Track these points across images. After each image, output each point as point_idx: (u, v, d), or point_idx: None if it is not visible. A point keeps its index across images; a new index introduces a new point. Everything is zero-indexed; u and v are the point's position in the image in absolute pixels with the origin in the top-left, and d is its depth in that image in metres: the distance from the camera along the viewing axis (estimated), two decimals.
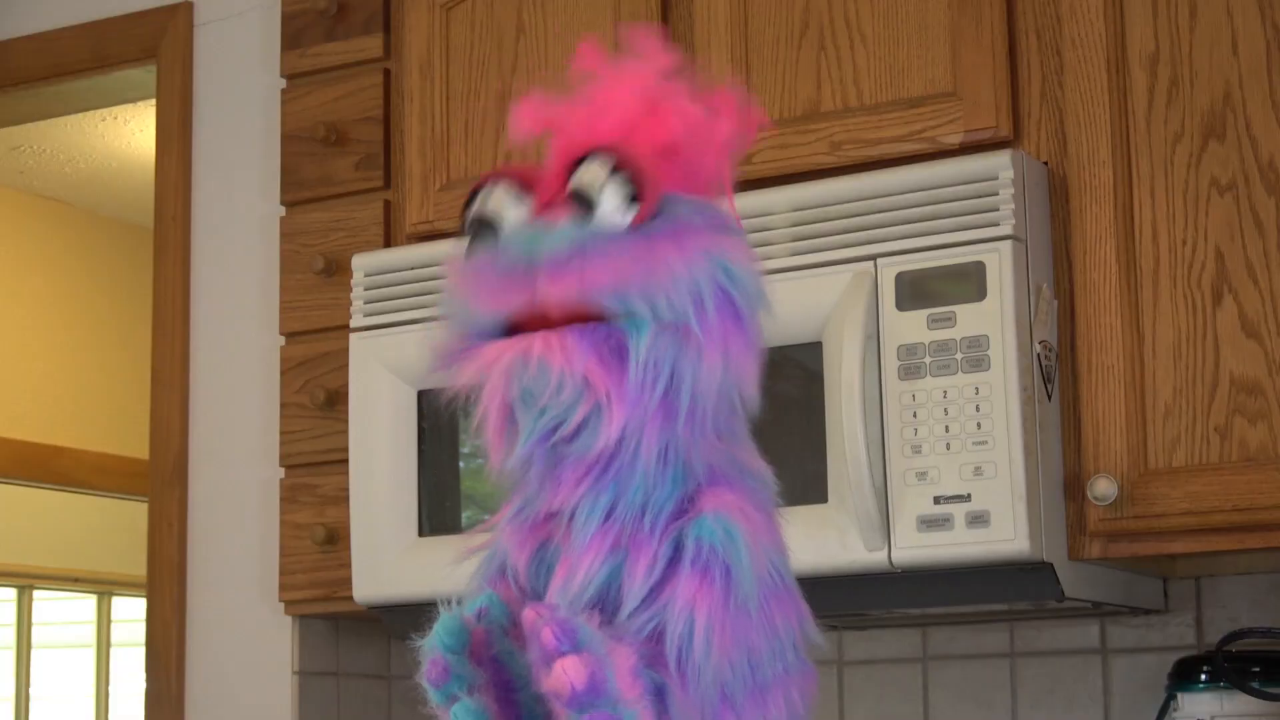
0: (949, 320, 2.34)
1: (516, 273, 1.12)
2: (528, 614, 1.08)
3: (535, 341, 1.11)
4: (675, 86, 1.16)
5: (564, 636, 1.05)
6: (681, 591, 1.10)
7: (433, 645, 1.11)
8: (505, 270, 1.12)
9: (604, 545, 1.12)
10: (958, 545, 2.30)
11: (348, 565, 2.75)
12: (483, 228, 1.15)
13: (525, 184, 1.15)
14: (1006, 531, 2.27)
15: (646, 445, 1.11)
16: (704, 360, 1.13)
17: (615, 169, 1.12)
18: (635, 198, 1.12)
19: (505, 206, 1.15)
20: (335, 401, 2.89)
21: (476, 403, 1.14)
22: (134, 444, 5.54)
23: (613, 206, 1.12)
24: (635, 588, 1.11)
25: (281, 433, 2.98)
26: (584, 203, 1.12)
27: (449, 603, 1.15)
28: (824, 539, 2.36)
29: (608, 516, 1.12)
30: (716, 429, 1.17)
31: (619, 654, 1.07)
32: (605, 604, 1.11)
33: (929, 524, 2.31)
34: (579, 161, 1.13)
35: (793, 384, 2.44)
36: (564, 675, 1.04)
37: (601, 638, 1.07)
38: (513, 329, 1.13)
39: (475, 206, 1.15)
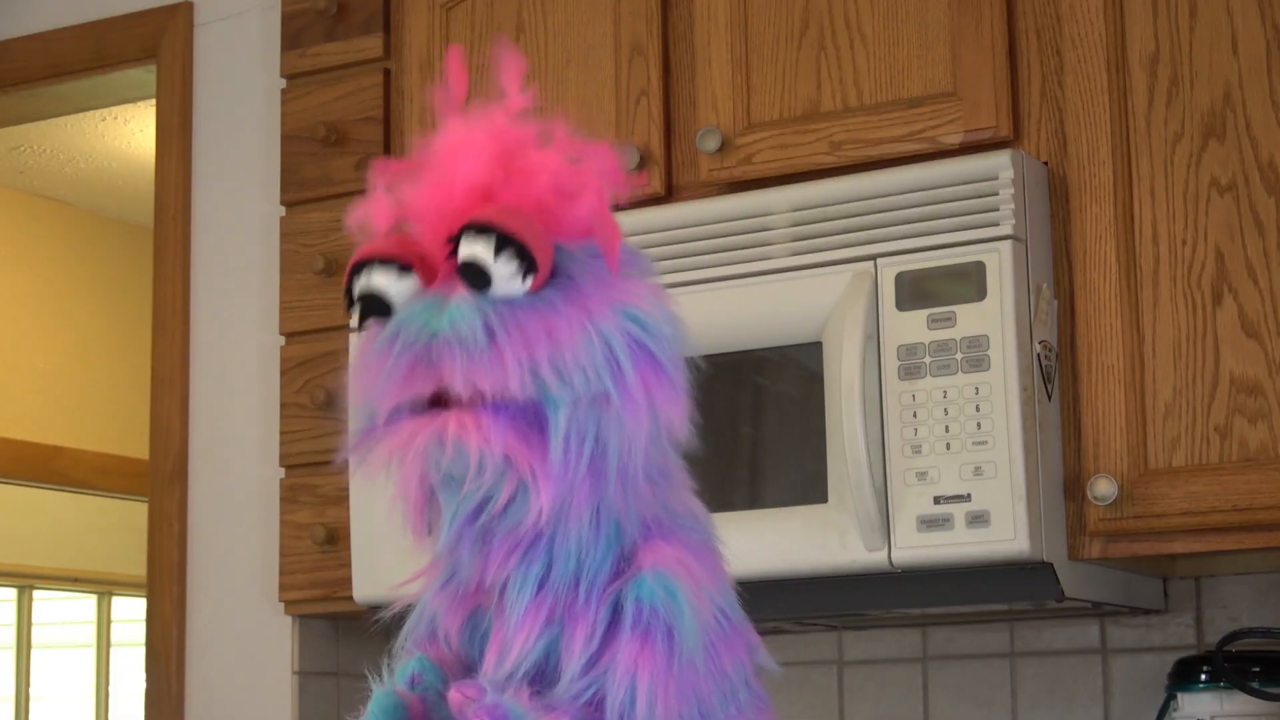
0: (949, 320, 2.34)
1: (418, 357, 1.07)
2: (454, 696, 1.05)
3: (449, 422, 1.06)
4: (524, 135, 1.10)
5: None
6: (622, 657, 1.07)
7: None
8: (405, 354, 1.07)
9: (538, 619, 1.08)
10: (958, 545, 2.30)
11: (348, 565, 2.75)
12: (372, 308, 1.10)
13: (404, 260, 1.09)
14: (1006, 531, 2.27)
15: (576, 514, 1.07)
16: (627, 419, 1.08)
17: (500, 240, 1.06)
18: (526, 265, 1.06)
19: (390, 285, 1.09)
20: (335, 401, 2.89)
21: (392, 484, 1.10)
22: (134, 444, 5.54)
23: (506, 278, 1.06)
24: (574, 659, 1.07)
25: (281, 433, 2.97)
26: (476, 278, 1.06)
27: (380, 676, 1.12)
28: (824, 539, 2.36)
29: (540, 587, 1.08)
30: (649, 478, 1.11)
31: None
32: (545, 673, 1.08)
33: (929, 524, 2.31)
34: (460, 234, 1.07)
35: (793, 384, 2.44)
36: None
37: (536, 715, 1.04)
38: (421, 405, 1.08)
39: (360, 283, 1.10)
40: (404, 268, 1.09)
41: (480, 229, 1.06)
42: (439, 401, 1.07)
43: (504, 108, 1.10)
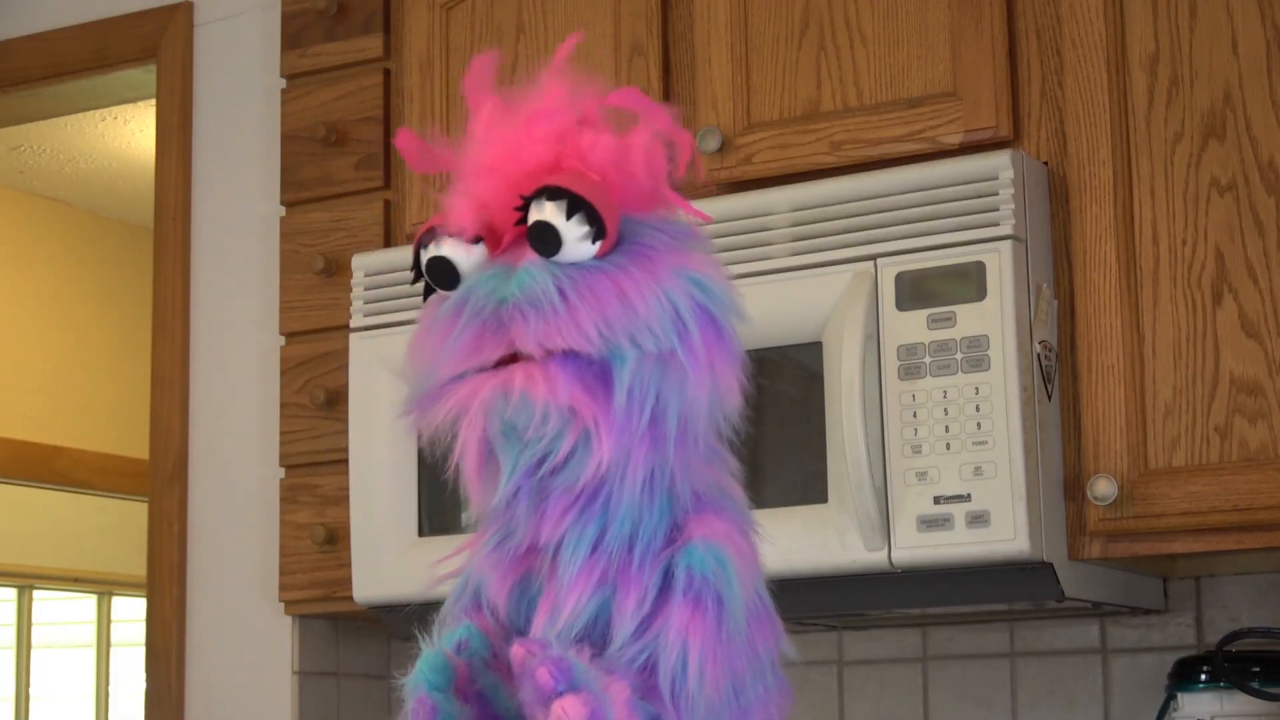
0: (949, 320, 2.34)
1: (487, 321, 1.09)
2: (517, 650, 1.06)
3: (515, 374, 1.08)
4: (580, 115, 1.13)
5: (560, 676, 1.03)
6: (674, 622, 1.08)
7: (417, 684, 1.09)
8: (474, 320, 1.09)
9: (591, 579, 1.09)
10: (958, 545, 2.30)
11: (348, 565, 2.75)
12: (440, 277, 1.12)
13: (473, 230, 1.12)
14: (1006, 531, 2.27)
15: (633, 473, 1.09)
16: (690, 382, 1.10)
17: (572, 204, 1.08)
18: (596, 230, 1.09)
19: (459, 253, 1.12)
20: (335, 401, 2.89)
21: (452, 441, 1.10)
22: (134, 444, 5.54)
23: (577, 239, 1.09)
24: (625, 621, 1.09)
25: (281, 433, 2.98)
26: (547, 241, 1.09)
27: (429, 637, 1.12)
28: (824, 539, 2.36)
29: (594, 549, 1.10)
30: (704, 450, 1.14)
31: (614, 688, 1.05)
32: (593, 636, 1.09)
33: (929, 524, 2.31)
34: (528, 201, 1.09)
35: (793, 384, 2.44)
36: (564, 716, 1.03)
37: (597, 674, 1.05)
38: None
39: (429, 251, 1.12)
40: (474, 238, 1.11)
41: (552, 193, 1.09)
42: (506, 363, 1.09)
43: (548, 89, 1.13)
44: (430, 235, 1.13)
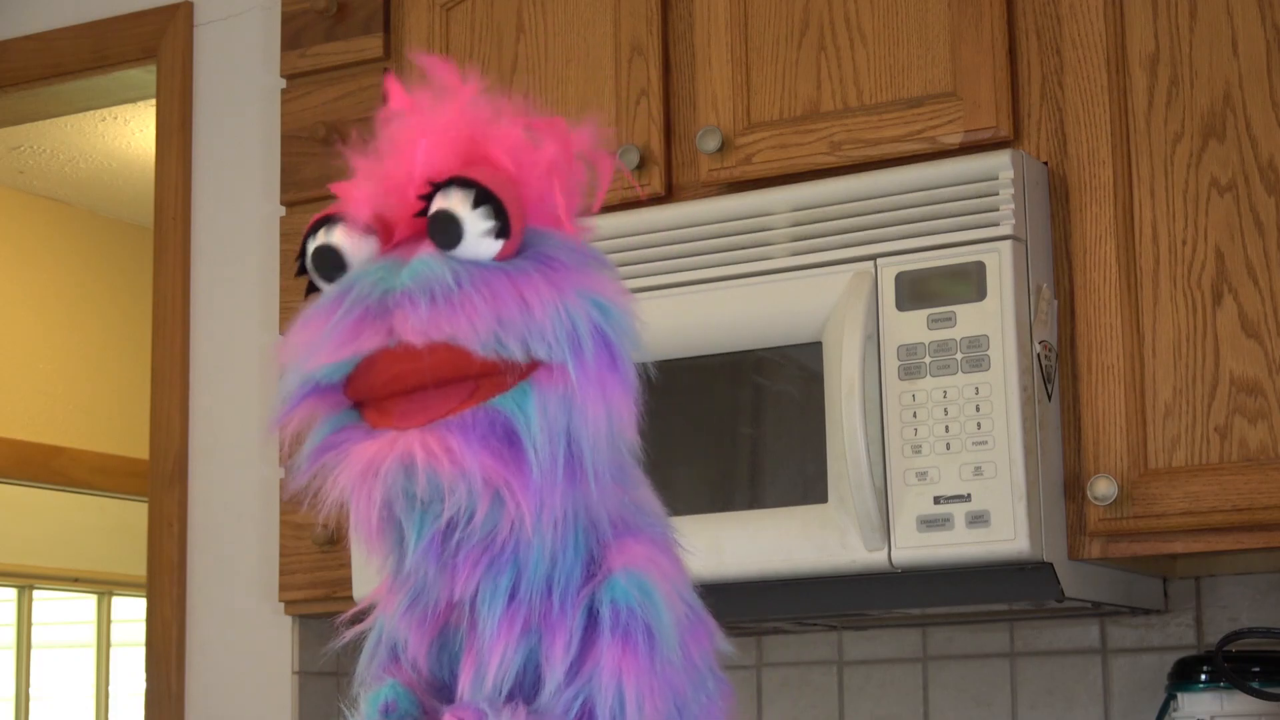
0: (949, 320, 2.34)
1: (369, 310, 1.02)
2: None
3: (414, 447, 1.00)
4: (494, 116, 1.07)
5: None
6: (606, 662, 1.04)
7: None
8: (356, 307, 1.02)
9: (514, 630, 1.04)
10: (958, 545, 2.30)
11: (348, 565, 2.75)
12: (325, 266, 1.04)
13: (367, 223, 1.05)
14: (1006, 531, 2.27)
15: (548, 519, 1.03)
16: (589, 412, 1.03)
17: (479, 198, 1.02)
18: (500, 230, 1.02)
19: (349, 243, 1.04)
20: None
21: (345, 505, 1.04)
22: (134, 444, 5.54)
23: (477, 238, 1.02)
24: (555, 668, 1.04)
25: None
26: (447, 234, 1.02)
27: (351, 702, 1.08)
28: (824, 539, 2.36)
29: (512, 598, 1.04)
30: (612, 475, 1.07)
31: None
32: (524, 685, 1.05)
33: (929, 524, 2.31)
34: (433, 192, 1.03)
35: (793, 384, 2.44)
36: None
37: None
38: (359, 387, 1.04)
39: (316, 239, 1.05)
40: (366, 229, 1.05)
41: (460, 182, 1.03)
42: (383, 376, 1.02)
43: (464, 93, 1.07)
44: (319, 226, 1.06)
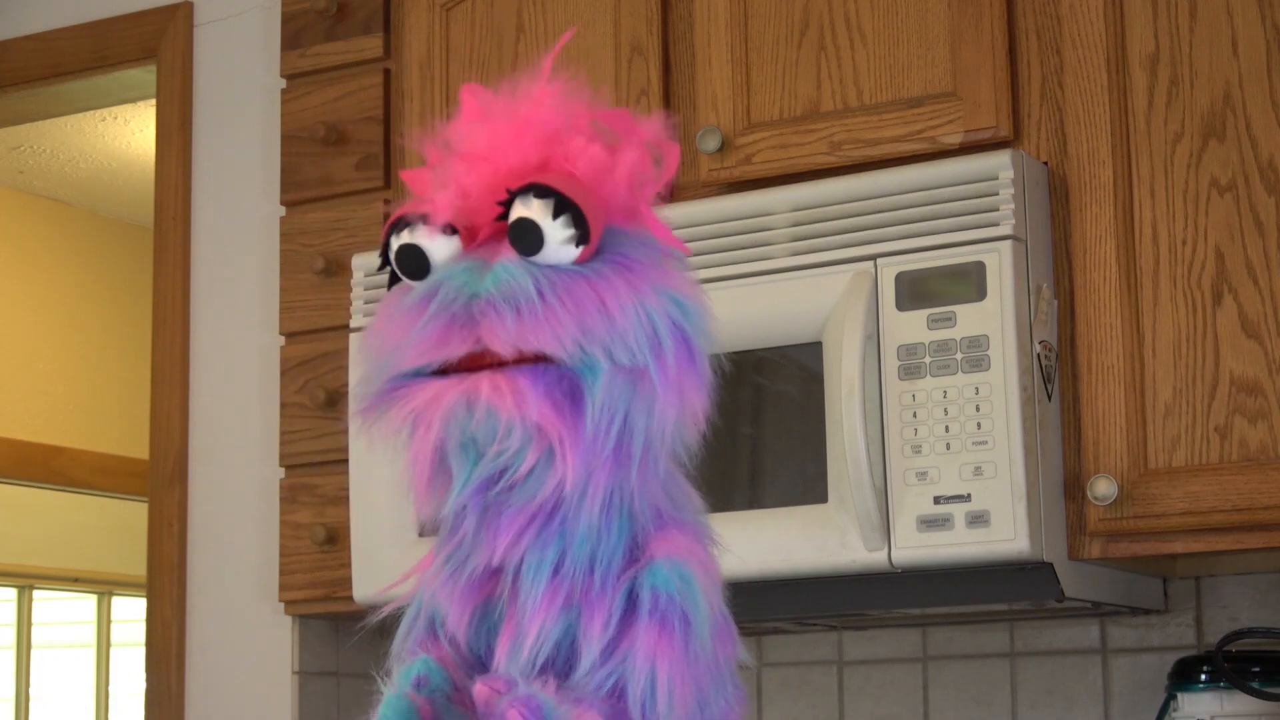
0: (949, 320, 2.34)
1: (456, 315, 1.04)
2: (481, 690, 1.03)
3: (481, 383, 1.03)
4: (574, 117, 1.09)
5: (531, 716, 1.01)
6: (641, 644, 1.05)
7: None
8: (443, 312, 1.04)
9: (555, 603, 1.06)
10: (958, 545, 2.30)
11: (348, 565, 2.75)
12: (409, 265, 1.07)
13: (449, 221, 1.07)
14: (1006, 531, 2.27)
15: (593, 494, 1.05)
16: (659, 404, 1.06)
17: (559, 205, 1.04)
18: (580, 235, 1.05)
19: (433, 243, 1.07)
20: (335, 401, 2.89)
21: (405, 445, 1.06)
22: (134, 444, 5.54)
23: (558, 244, 1.04)
24: (592, 646, 1.05)
25: (281, 433, 2.97)
26: (529, 239, 1.04)
27: (386, 675, 1.09)
28: (824, 539, 2.36)
29: (556, 572, 1.06)
30: (665, 467, 1.10)
31: (585, 719, 1.03)
32: (557, 660, 1.06)
33: (929, 524, 2.31)
34: (513, 197, 1.05)
35: (793, 384, 2.44)
36: None
37: (567, 707, 1.02)
38: (449, 370, 1.05)
39: (401, 238, 1.07)
40: (448, 228, 1.07)
41: (540, 190, 1.05)
42: (468, 366, 1.04)
43: (540, 93, 1.09)
44: (402, 222, 1.08)
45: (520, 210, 1.04)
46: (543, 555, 1.06)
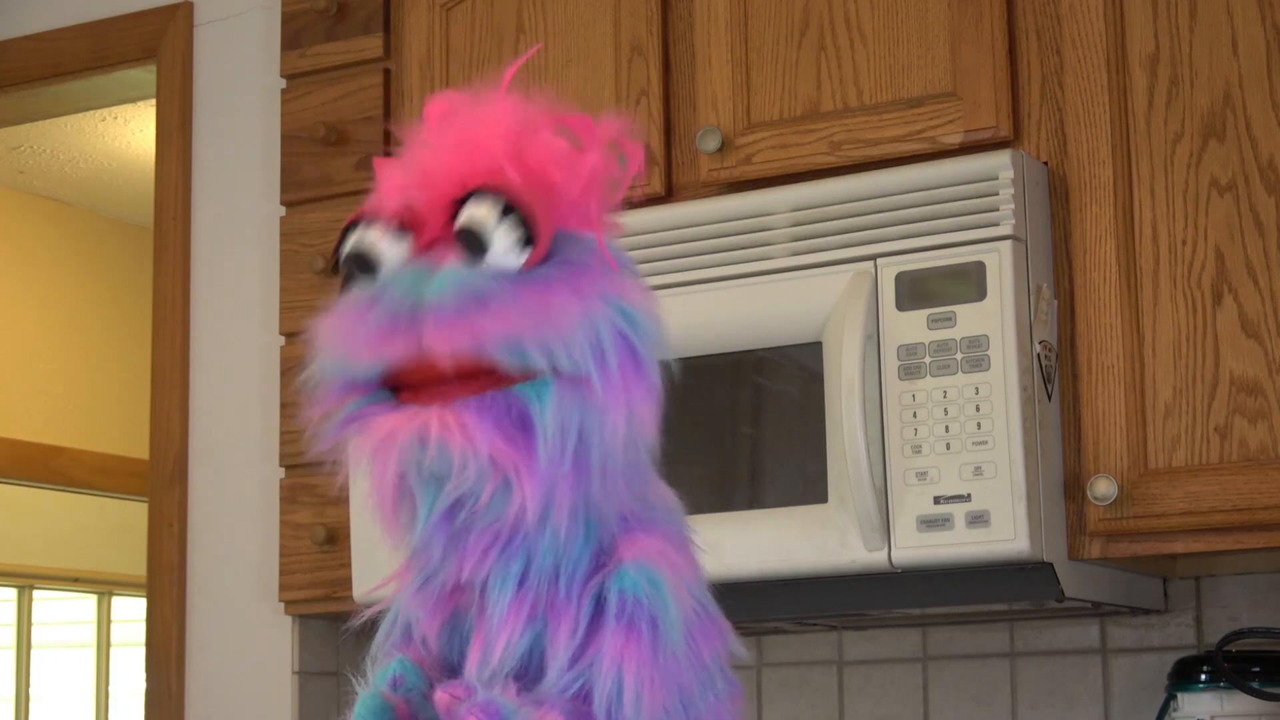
0: (949, 320, 2.34)
1: (400, 318, 1.04)
2: (441, 697, 1.04)
3: (430, 421, 1.03)
4: (536, 121, 1.09)
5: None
6: (608, 649, 1.05)
7: None
8: (387, 314, 1.05)
9: (521, 615, 1.07)
10: (958, 545, 2.30)
11: (348, 565, 2.75)
12: (359, 266, 1.07)
13: (401, 222, 1.07)
14: (1006, 531, 2.27)
15: (558, 511, 1.05)
16: (608, 415, 1.06)
17: (506, 208, 1.04)
18: (527, 239, 1.05)
19: (383, 244, 1.07)
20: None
21: (365, 476, 1.07)
22: (134, 444, 5.54)
23: (505, 248, 1.04)
24: (559, 653, 1.06)
25: (281, 433, 2.98)
26: (474, 243, 1.04)
27: (361, 677, 1.11)
28: (824, 539, 2.36)
29: (521, 584, 1.07)
30: (625, 472, 1.09)
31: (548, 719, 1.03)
32: (528, 669, 1.07)
33: (929, 524, 2.31)
34: (464, 199, 1.05)
35: (793, 384, 2.44)
36: None
37: (527, 712, 1.03)
38: (392, 379, 1.06)
39: (350, 242, 1.08)
40: (400, 229, 1.07)
41: (486, 194, 1.05)
42: (414, 379, 1.05)
43: (506, 96, 1.09)
44: (356, 223, 1.09)
45: (468, 212, 1.05)
46: (507, 570, 1.07)
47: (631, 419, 1.07)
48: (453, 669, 1.11)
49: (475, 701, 1.03)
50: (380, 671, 1.11)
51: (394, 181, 1.10)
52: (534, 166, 1.07)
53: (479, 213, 1.04)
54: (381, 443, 1.05)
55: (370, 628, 1.19)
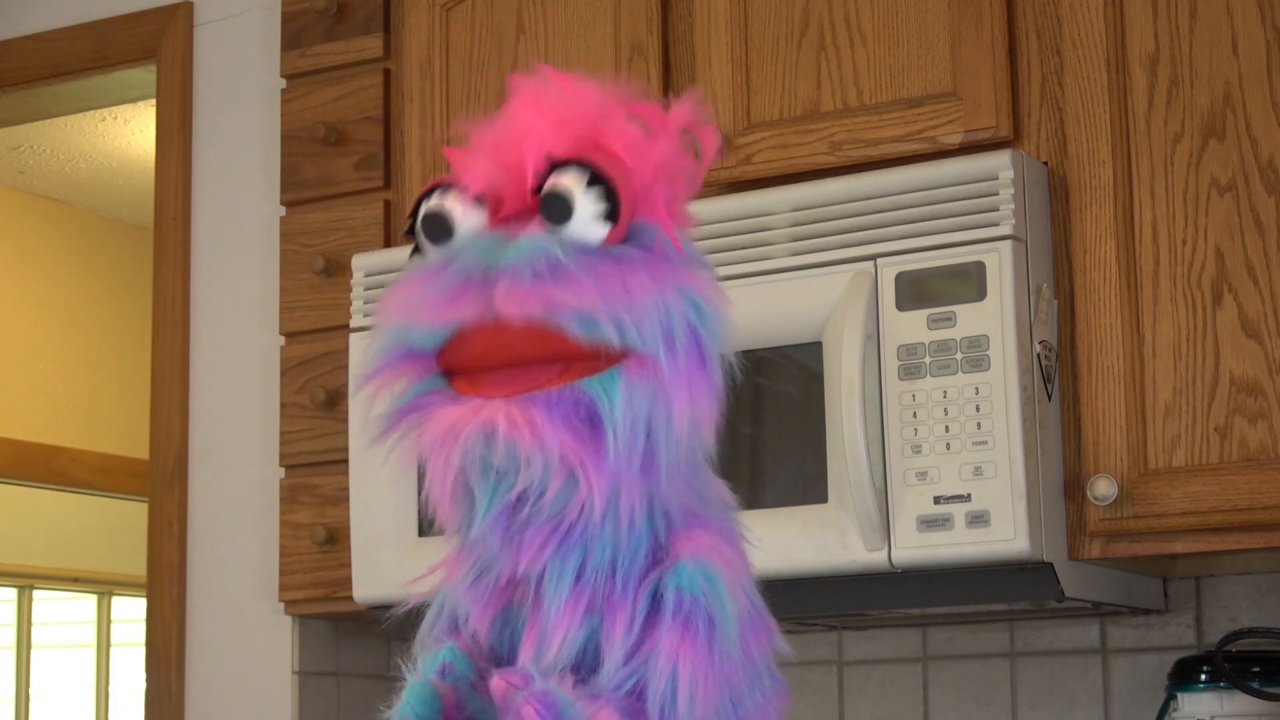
0: (949, 320, 2.34)
1: (472, 280, 1.03)
2: (498, 683, 1.03)
3: (497, 416, 1.02)
4: (613, 106, 1.09)
5: (546, 712, 1.00)
6: (664, 646, 1.04)
7: (405, 717, 1.06)
8: (459, 276, 1.04)
9: (577, 610, 1.06)
10: (958, 545, 2.30)
11: (348, 565, 2.75)
12: (434, 231, 1.06)
13: (480, 194, 1.06)
14: (1006, 531, 2.27)
15: (623, 505, 1.04)
16: (674, 406, 1.05)
17: (594, 178, 1.04)
18: (609, 213, 1.04)
19: (459, 211, 1.06)
20: (335, 401, 2.89)
21: (424, 467, 1.05)
22: (134, 444, 5.54)
23: (588, 217, 1.04)
24: (614, 648, 1.05)
25: (281, 433, 2.98)
26: (559, 209, 1.03)
27: (411, 665, 1.09)
28: (824, 539, 2.36)
29: (578, 579, 1.06)
30: (685, 467, 1.09)
31: (601, 716, 1.02)
32: (581, 663, 1.06)
33: (929, 524, 2.31)
34: (550, 170, 1.05)
35: (793, 384, 2.44)
36: None
37: (583, 704, 1.02)
38: (452, 353, 1.05)
39: (428, 205, 1.07)
40: (478, 200, 1.06)
41: (574, 166, 1.04)
42: (478, 345, 1.03)
43: (584, 83, 1.09)
44: (435, 190, 1.08)
45: (554, 179, 1.04)
46: (564, 564, 1.06)
47: (693, 413, 1.06)
48: (501, 662, 1.09)
49: (533, 690, 1.02)
50: (430, 658, 1.09)
51: (475, 154, 1.08)
52: (611, 150, 1.07)
53: (565, 180, 1.04)
54: (443, 437, 1.04)
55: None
